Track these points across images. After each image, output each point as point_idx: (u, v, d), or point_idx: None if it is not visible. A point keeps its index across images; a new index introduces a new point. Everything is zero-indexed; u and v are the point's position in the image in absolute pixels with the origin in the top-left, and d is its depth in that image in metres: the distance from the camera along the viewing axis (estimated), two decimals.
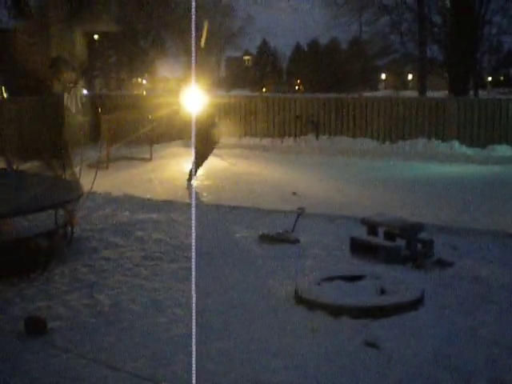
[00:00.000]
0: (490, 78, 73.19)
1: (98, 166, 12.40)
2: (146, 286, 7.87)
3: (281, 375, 5.58)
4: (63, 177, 10.68)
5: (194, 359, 3.02)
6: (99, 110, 21.08)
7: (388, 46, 43.78)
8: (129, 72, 45.48)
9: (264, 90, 64.55)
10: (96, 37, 36.14)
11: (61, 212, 9.35)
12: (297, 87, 68.92)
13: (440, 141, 20.00)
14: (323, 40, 70.68)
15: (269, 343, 6.21)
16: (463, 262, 8.88)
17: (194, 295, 3.39)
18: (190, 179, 14.74)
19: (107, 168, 16.93)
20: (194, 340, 3.05)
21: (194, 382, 3.19)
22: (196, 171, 15.31)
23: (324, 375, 5.57)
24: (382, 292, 7.34)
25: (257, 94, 44.41)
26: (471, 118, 19.94)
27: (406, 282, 7.52)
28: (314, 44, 76.30)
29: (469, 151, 19.44)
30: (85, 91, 22.81)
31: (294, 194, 13.55)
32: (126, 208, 12.20)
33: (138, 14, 34.80)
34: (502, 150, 19.19)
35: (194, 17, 3.75)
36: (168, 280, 8.08)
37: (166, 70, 54.79)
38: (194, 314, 3.21)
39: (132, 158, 18.65)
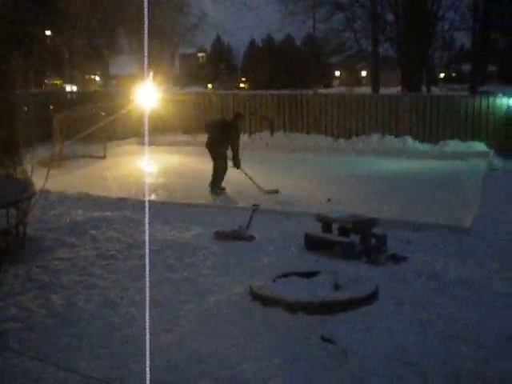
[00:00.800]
0: (442, 75, 74.15)
1: (50, 164, 12.23)
2: (101, 285, 7.80)
3: (236, 369, 5.58)
4: (14, 175, 10.50)
5: (147, 358, 3.00)
6: (51, 107, 20.83)
7: (342, 43, 44.03)
8: (82, 69, 44.90)
9: (210, 86, 64.24)
10: (48, 33, 35.62)
11: (13, 211, 9.19)
12: (242, 85, 68.78)
13: (393, 136, 20.21)
14: (278, 37, 70.94)
15: (224, 338, 6.21)
16: (417, 256, 9.00)
17: (147, 293, 3.37)
18: (214, 191, 13.49)
19: (60, 166, 16.71)
20: (147, 338, 3.03)
21: (148, 381, 3.17)
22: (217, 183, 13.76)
23: (280, 369, 5.59)
24: (337, 287, 7.40)
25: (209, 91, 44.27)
26: (423, 114, 20.19)
27: (360, 277, 7.59)
28: (268, 41, 76.50)
29: (421, 146, 19.68)
30: None
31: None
32: (79, 206, 12.07)
33: (91, 11, 34.40)
34: (453, 145, 19.46)
35: (146, 14, 3.73)
36: (122, 278, 8.02)
37: (119, 67, 54.23)
38: (147, 313, 3.19)
39: (86, 156, 18.44)
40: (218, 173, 13.78)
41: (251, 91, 41.67)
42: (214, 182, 13.76)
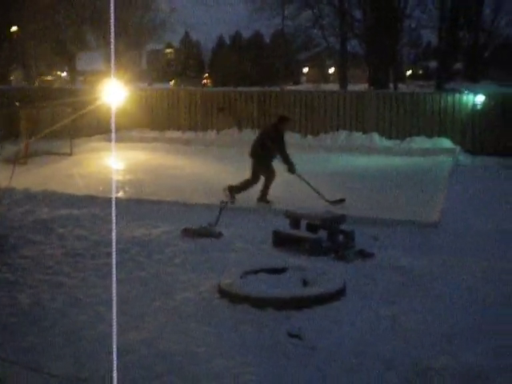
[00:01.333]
0: (409, 72, 74.69)
1: (15, 161, 12.11)
2: (68, 283, 7.73)
3: (205, 366, 5.58)
4: None
5: (115, 356, 2.98)
6: (17, 103, 20.59)
7: (310, 40, 44.20)
8: (48, 65, 44.53)
9: (172, 82, 63.64)
10: (15, 28, 35.19)
11: None
12: (204, 81, 68.43)
13: (360, 133, 20.31)
14: (246, 34, 70.86)
15: (192, 335, 6.20)
16: (384, 252, 9.07)
17: (114, 291, 3.34)
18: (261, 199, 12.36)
19: (26, 163, 16.53)
20: (114, 336, 3.01)
21: (115, 380, 3.15)
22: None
23: (248, 365, 5.59)
24: (305, 283, 7.42)
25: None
26: (390, 111, 20.31)
27: (328, 273, 7.62)
28: (236, 37, 76.42)
29: (388, 143, 19.81)
30: None
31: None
32: (46, 204, 11.95)
33: (58, 6, 34.11)
34: (419, 141, 19.61)
35: (112, 9, 3.69)
36: (89, 277, 7.95)
37: (86, 63, 53.83)
38: (115, 311, 3.17)
39: (52, 153, 18.25)
40: (268, 183, 12.46)
41: (219, 88, 41.65)
42: (263, 194, 12.40)
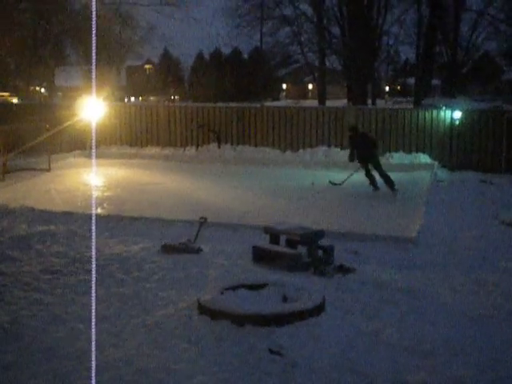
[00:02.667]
0: (387, 88, 75.25)
1: None
2: (46, 300, 7.66)
3: (185, 382, 5.54)
4: None
5: (93, 373, 2.95)
6: None
7: (289, 56, 44.44)
8: (26, 80, 44.32)
9: (141, 99, 63.22)
10: None
11: None
12: (172, 97, 68.26)
13: (339, 149, 20.40)
14: (225, 50, 71.07)
15: (172, 352, 6.16)
16: (364, 267, 9.08)
17: (93, 308, 3.32)
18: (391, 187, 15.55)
19: (3, 179, 16.42)
20: (93, 353, 2.99)
21: None
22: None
23: (228, 382, 5.57)
24: (285, 299, 7.41)
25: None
26: (368, 126, 20.43)
27: (307, 289, 7.61)
28: (216, 54, 76.53)
29: None
30: None
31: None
32: (23, 220, 11.86)
33: (37, 21, 34.02)
34: (398, 157, 19.75)
35: (94, 25, 3.69)
36: (68, 294, 7.89)
37: (64, 79, 53.65)
38: (93, 328, 3.15)
39: (30, 169, 18.13)
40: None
41: (199, 104, 41.69)
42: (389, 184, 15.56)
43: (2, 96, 46.54)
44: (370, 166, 15.88)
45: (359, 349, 6.29)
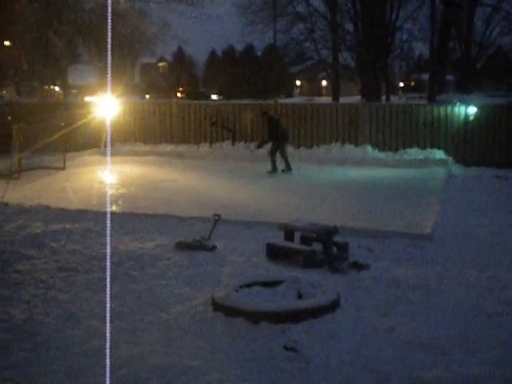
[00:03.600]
0: (401, 84, 74.99)
1: (8, 175, 12.07)
2: (61, 298, 7.69)
3: (199, 380, 5.55)
4: None
5: (108, 371, 2.96)
6: (9, 118, 20.56)
7: (302, 53, 44.35)
8: (41, 79, 44.49)
9: (148, 96, 62.89)
10: (7, 43, 35.21)
11: None
12: (179, 94, 68.12)
13: (353, 145, 20.37)
14: (239, 47, 71.06)
15: (186, 349, 6.16)
16: (378, 264, 9.06)
17: (108, 305, 3.33)
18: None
19: (19, 178, 16.50)
20: (107, 351, 2.99)
21: None
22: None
23: (243, 379, 5.57)
24: (300, 296, 7.40)
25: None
26: (383, 123, 20.38)
27: (322, 286, 7.60)
28: (229, 51, 76.51)
29: (381, 155, 19.86)
30: None
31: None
32: (39, 219, 11.91)
33: (51, 20, 34.09)
34: (412, 153, 19.68)
35: (109, 23, 3.69)
36: (83, 291, 7.92)
37: (77, 77, 53.82)
38: (108, 325, 3.15)
39: (45, 167, 18.22)
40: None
41: (212, 101, 41.68)
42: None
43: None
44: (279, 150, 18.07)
45: (374, 346, 6.28)
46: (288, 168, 18.02)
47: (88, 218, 11.85)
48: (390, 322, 6.91)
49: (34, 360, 5.98)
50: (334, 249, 9.36)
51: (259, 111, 19.80)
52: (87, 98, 18.34)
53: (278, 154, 18.08)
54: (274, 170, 17.93)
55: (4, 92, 41.54)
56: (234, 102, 27.47)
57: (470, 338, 6.49)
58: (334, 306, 7.12)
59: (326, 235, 9.37)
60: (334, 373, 5.71)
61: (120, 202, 13.67)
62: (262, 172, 18.03)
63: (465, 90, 38.34)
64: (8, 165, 15.43)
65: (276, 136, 18.12)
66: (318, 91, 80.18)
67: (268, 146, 18.32)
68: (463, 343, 6.35)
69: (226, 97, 54.30)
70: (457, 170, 18.46)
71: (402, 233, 10.85)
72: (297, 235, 9.83)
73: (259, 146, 18.76)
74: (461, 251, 9.96)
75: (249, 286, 7.60)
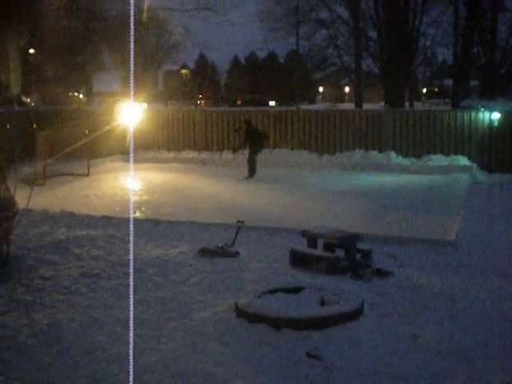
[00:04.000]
0: (424, 90, 74.66)
1: (33, 182, 12.17)
2: (85, 303, 7.74)
3: None
4: None
5: (131, 377, 2.97)
6: (34, 125, 20.74)
7: (325, 59, 44.31)
8: (65, 86, 44.88)
9: (168, 104, 62.95)
10: (32, 51, 35.56)
11: None
12: (198, 102, 68.24)
13: (376, 152, 20.29)
14: (261, 54, 71.26)
15: (209, 356, 6.17)
16: (402, 271, 9.01)
17: (132, 311, 3.34)
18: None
19: (43, 184, 16.63)
20: (131, 357, 3.00)
21: None
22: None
23: None
24: (323, 303, 7.38)
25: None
26: (406, 129, 20.28)
27: (345, 293, 7.57)
28: (251, 57, 76.77)
29: (405, 161, 19.77)
30: None
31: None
32: (63, 225, 12.00)
33: (74, 28, 34.39)
34: (436, 159, 19.57)
35: (132, 31, 3.72)
36: (107, 297, 7.95)
37: (102, 84, 54.28)
38: (131, 331, 3.16)
39: (69, 174, 18.35)
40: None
41: (236, 108, 41.73)
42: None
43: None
44: (256, 155, 18.65)
45: (397, 353, 6.24)
46: (252, 173, 18.52)
47: (111, 225, 11.90)
48: (414, 329, 6.87)
49: (58, 365, 6.02)
50: (358, 256, 9.33)
51: (243, 121, 20.17)
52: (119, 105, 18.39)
53: (256, 158, 18.68)
54: (254, 172, 18.60)
55: (29, 99, 41.92)
56: (256, 108, 27.48)
57: (494, 346, 6.44)
58: (357, 313, 7.09)
59: (349, 242, 9.33)
60: (357, 380, 5.69)
61: (143, 209, 13.73)
62: (286, 178, 18.03)
63: (489, 95, 38.05)
64: (33, 171, 15.55)
65: (253, 142, 18.66)
66: (341, 97, 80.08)
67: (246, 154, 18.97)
68: (487, 351, 6.30)
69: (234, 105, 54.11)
70: (481, 176, 18.32)
71: (426, 239, 10.79)
72: (320, 242, 9.80)
73: (234, 151, 19.60)
74: (485, 258, 9.87)
75: (272, 292, 7.60)
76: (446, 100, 56.65)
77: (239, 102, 64.51)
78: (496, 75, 42.08)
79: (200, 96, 71.30)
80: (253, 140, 18.66)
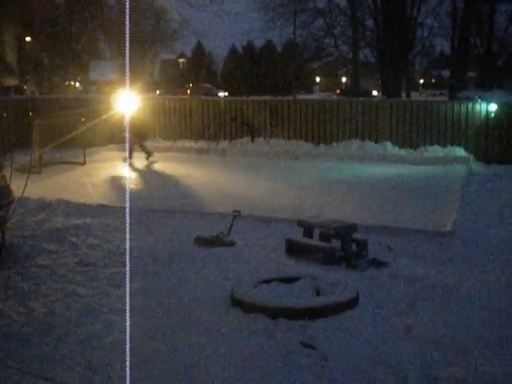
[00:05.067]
0: (421, 80, 74.64)
1: (29, 170, 12.15)
2: (81, 292, 7.75)
3: (219, 376, 5.57)
4: None
5: (128, 366, 2.98)
6: (30, 113, 20.70)
7: (322, 49, 44.29)
8: (61, 75, 44.81)
9: (158, 92, 62.58)
10: (28, 39, 35.48)
11: None
12: (188, 91, 68.01)
13: (373, 142, 20.28)
14: (258, 43, 71.10)
15: (205, 345, 6.19)
16: (397, 262, 9.03)
17: (127, 300, 3.35)
18: None
19: (40, 172, 16.62)
20: (127, 346, 3.01)
21: None
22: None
23: (261, 375, 5.58)
24: (318, 293, 7.40)
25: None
26: (403, 120, 20.28)
27: (341, 283, 7.59)
28: (249, 47, 76.60)
29: (401, 152, 19.77)
30: None
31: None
32: (59, 213, 11.99)
33: (71, 16, 34.33)
34: (433, 150, 19.57)
35: (128, 19, 3.71)
36: (103, 286, 7.97)
37: (99, 73, 54.11)
38: (128, 320, 3.17)
39: (65, 162, 18.34)
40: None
41: (232, 97, 41.66)
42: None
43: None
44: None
45: (392, 343, 6.26)
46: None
47: (108, 213, 11.91)
48: (409, 319, 6.90)
49: (54, 354, 6.03)
50: (353, 246, 9.35)
51: (232, 117, 20.96)
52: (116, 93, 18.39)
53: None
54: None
55: (25, 87, 41.81)
56: (253, 98, 27.45)
57: (490, 337, 6.46)
58: (352, 303, 7.12)
59: (344, 232, 9.35)
60: (352, 370, 5.71)
61: (139, 198, 13.72)
62: (282, 168, 18.03)
63: (486, 86, 38.08)
64: (29, 159, 15.53)
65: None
66: (338, 87, 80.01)
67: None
68: (483, 342, 6.32)
69: (231, 94, 53.80)
70: (477, 167, 18.34)
71: (422, 230, 10.81)
72: (316, 232, 9.82)
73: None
74: (481, 249, 9.90)
75: (267, 282, 7.62)
76: (444, 91, 56.70)
77: (189, 92, 64.18)
78: (493, 66, 42.12)
79: (190, 85, 71.12)
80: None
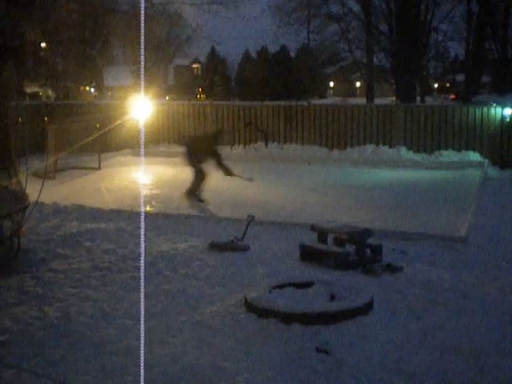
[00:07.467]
0: (436, 85, 74.38)
1: (44, 175, 12.18)
2: (95, 297, 7.77)
3: (231, 381, 5.56)
4: (9, 187, 10.46)
5: (142, 370, 2.98)
6: (45, 118, 20.80)
7: (336, 53, 44.23)
8: (76, 80, 44.99)
9: (167, 98, 62.35)
10: (43, 45, 35.64)
11: (7, 223, 9.16)
12: (198, 96, 67.65)
13: (387, 147, 20.22)
14: (272, 48, 71.03)
15: (219, 349, 6.19)
16: (412, 267, 8.99)
17: (142, 305, 3.35)
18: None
19: (54, 178, 16.68)
20: (141, 351, 3.02)
21: None
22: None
23: (275, 380, 5.57)
24: (333, 298, 7.38)
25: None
26: (418, 124, 20.20)
27: (355, 288, 7.57)
28: (263, 52, 76.54)
29: (416, 157, 19.70)
30: None
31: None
32: (73, 218, 12.04)
33: (86, 22, 34.49)
34: (448, 155, 19.48)
35: (142, 25, 3.72)
36: (117, 290, 7.99)
37: (113, 78, 54.35)
38: (142, 325, 3.17)
39: (80, 168, 18.42)
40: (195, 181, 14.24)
41: (246, 102, 41.70)
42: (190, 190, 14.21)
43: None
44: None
45: (407, 349, 6.24)
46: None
47: (122, 218, 11.94)
48: (424, 325, 6.87)
49: (68, 358, 6.05)
50: (368, 251, 9.32)
51: (246, 122, 20.40)
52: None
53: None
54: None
55: (40, 93, 42.03)
56: (267, 103, 27.47)
57: (504, 342, 6.42)
58: (367, 308, 7.09)
59: (359, 237, 9.32)
60: (366, 375, 5.69)
61: (154, 203, 13.76)
62: (296, 173, 18.01)
63: (501, 91, 37.86)
64: (44, 165, 15.60)
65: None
66: (352, 92, 79.89)
67: None
68: (498, 348, 6.28)
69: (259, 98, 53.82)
70: (492, 172, 18.24)
71: (437, 235, 10.76)
72: (330, 237, 9.79)
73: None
74: (496, 255, 9.84)
75: (281, 287, 7.61)
76: (446, 96, 56.67)
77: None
78: (508, 70, 41.87)
79: (200, 90, 71.01)
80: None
